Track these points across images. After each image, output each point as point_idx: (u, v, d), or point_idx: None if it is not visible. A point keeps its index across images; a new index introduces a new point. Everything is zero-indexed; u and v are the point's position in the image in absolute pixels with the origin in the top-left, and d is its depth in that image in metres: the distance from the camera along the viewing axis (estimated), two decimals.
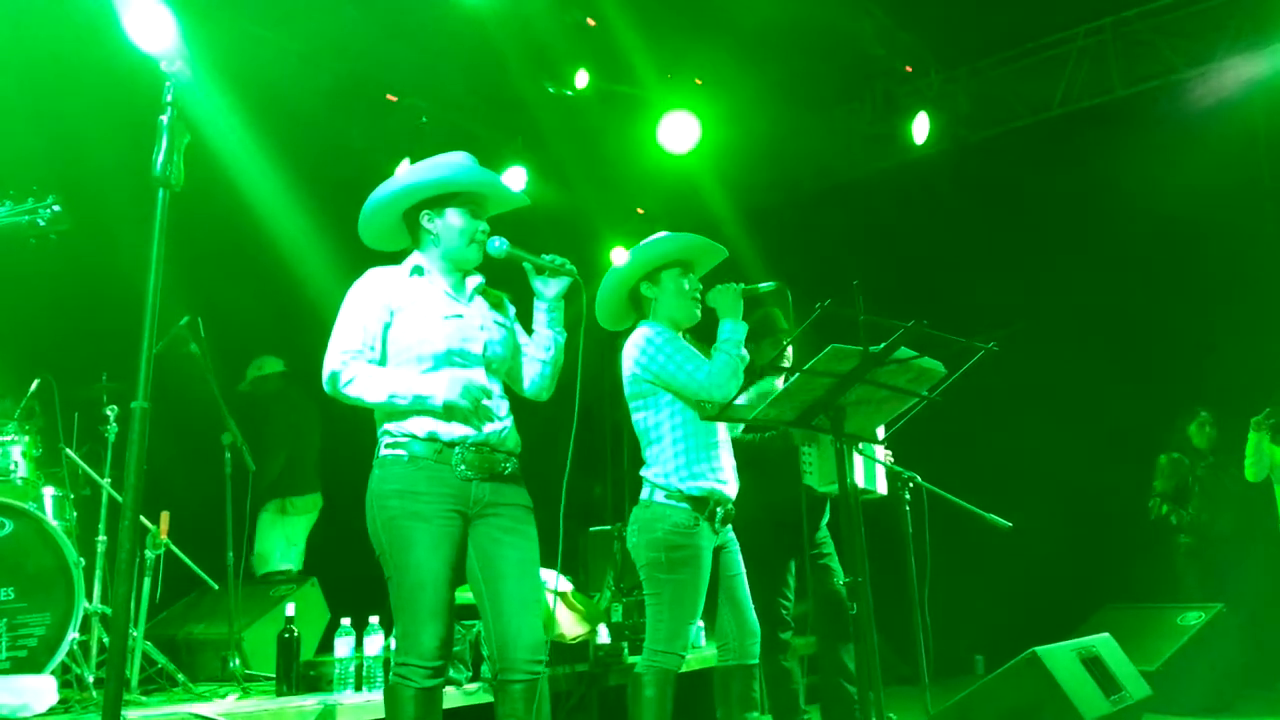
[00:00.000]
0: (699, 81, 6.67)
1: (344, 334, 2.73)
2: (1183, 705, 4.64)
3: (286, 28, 5.48)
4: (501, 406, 2.82)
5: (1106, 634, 3.98)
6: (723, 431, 3.40)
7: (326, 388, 2.72)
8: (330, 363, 2.71)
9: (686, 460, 3.26)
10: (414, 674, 2.59)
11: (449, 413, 2.65)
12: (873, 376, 2.70)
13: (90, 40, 4.88)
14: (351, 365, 2.69)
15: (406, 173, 2.86)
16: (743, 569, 3.39)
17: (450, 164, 2.85)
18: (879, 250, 6.87)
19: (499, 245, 2.83)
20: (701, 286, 3.40)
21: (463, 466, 2.69)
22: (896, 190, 7.00)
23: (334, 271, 6.05)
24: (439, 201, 2.84)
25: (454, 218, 2.83)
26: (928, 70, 6.82)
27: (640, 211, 7.77)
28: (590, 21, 6.08)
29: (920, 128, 6.79)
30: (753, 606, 3.37)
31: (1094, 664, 3.63)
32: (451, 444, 2.69)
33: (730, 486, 3.35)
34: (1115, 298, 6.27)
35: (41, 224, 3.09)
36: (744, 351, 3.23)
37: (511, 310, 3.01)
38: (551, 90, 6.33)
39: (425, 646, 2.58)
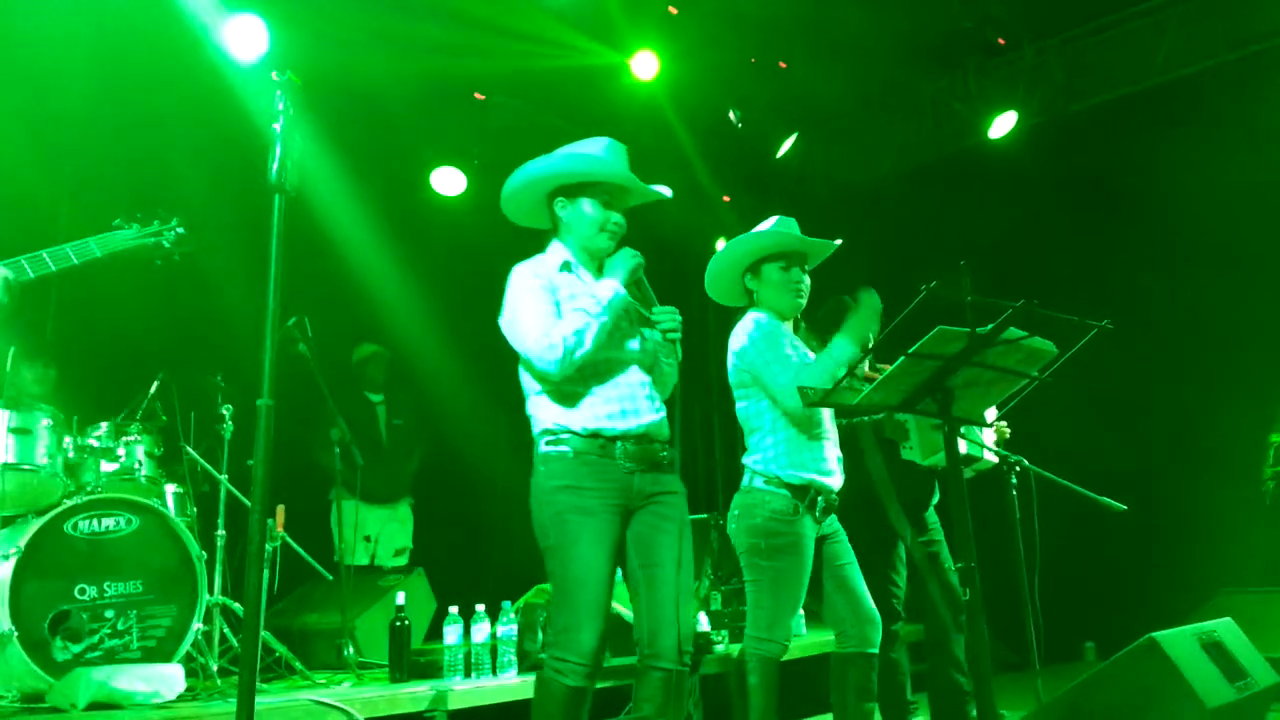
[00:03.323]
0: (783, 65, 6.62)
1: (538, 318, 2.71)
2: None
3: (372, 29, 5.58)
4: (657, 398, 2.84)
5: (1228, 618, 3.83)
6: (828, 421, 3.38)
7: (554, 368, 2.67)
8: (548, 342, 2.66)
9: (788, 449, 3.25)
10: (570, 671, 2.58)
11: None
12: (981, 358, 2.65)
13: (183, 55, 5.06)
14: (557, 335, 2.67)
15: (548, 156, 2.89)
16: (853, 557, 3.36)
17: (589, 155, 2.86)
18: (973, 229, 6.70)
19: (631, 263, 2.80)
20: (806, 278, 3.40)
21: (625, 460, 2.72)
22: (991, 167, 6.82)
23: (424, 272, 6.20)
24: (575, 190, 2.86)
25: (587, 207, 2.86)
26: (1020, 42, 6.63)
27: (726, 199, 7.74)
28: (672, 10, 6.08)
29: (1002, 125, 6.65)
30: (869, 595, 3.34)
31: (1215, 649, 3.49)
32: (613, 438, 2.72)
33: (834, 478, 3.33)
34: (1226, 270, 5.99)
35: (167, 245, 3.22)
36: (840, 373, 3.12)
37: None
38: (627, 81, 6.33)
39: (583, 644, 2.58)
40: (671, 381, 2.93)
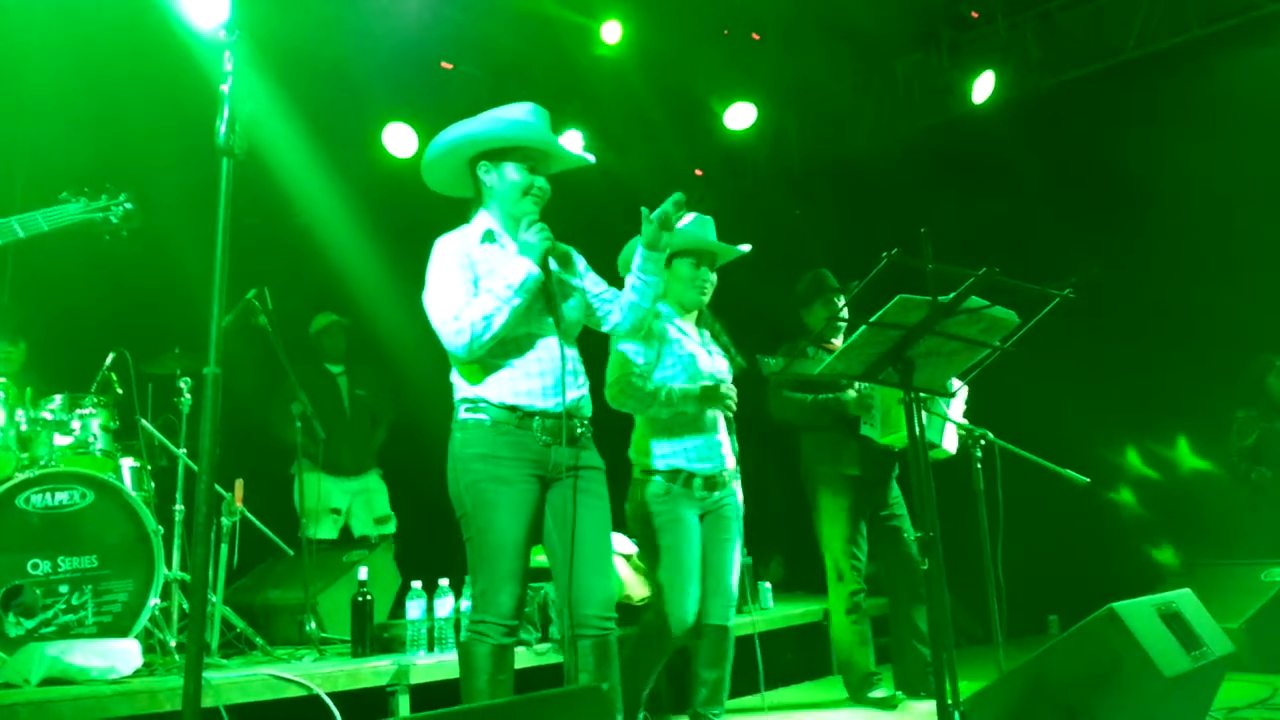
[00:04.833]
0: (756, 36, 6.55)
1: (450, 298, 2.71)
2: (1267, 662, 4.51)
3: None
4: (579, 375, 2.83)
5: (1187, 589, 3.86)
6: (708, 413, 3.46)
7: (462, 351, 2.69)
8: (456, 327, 2.67)
9: (654, 441, 3.41)
10: (491, 630, 2.64)
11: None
12: (942, 327, 2.63)
13: (136, 23, 4.94)
14: (465, 320, 2.68)
15: (468, 121, 2.85)
16: (732, 533, 3.47)
17: (511, 118, 2.82)
18: (946, 205, 6.68)
19: (543, 245, 2.76)
20: (712, 276, 3.55)
21: (542, 433, 2.72)
22: (964, 142, 6.80)
23: (387, 243, 6.13)
24: (497, 155, 2.83)
25: (511, 172, 2.83)
26: (994, 16, 6.60)
27: (699, 173, 7.67)
28: None
29: (982, 87, 6.60)
30: (736, 575, 3.46)
31: (1174, 620, 3.51)
32: (530, 414, 2.71)
33: (709, 464, 3.41)
34: (1193, 246, 6.01)
35: (114, 221, 3.15)
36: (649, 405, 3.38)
37: (580, 263, 2.99)
38: (599, 53, 6.25)
39: (503, 606, 2.64)
40: (640, 305, 2.91)
